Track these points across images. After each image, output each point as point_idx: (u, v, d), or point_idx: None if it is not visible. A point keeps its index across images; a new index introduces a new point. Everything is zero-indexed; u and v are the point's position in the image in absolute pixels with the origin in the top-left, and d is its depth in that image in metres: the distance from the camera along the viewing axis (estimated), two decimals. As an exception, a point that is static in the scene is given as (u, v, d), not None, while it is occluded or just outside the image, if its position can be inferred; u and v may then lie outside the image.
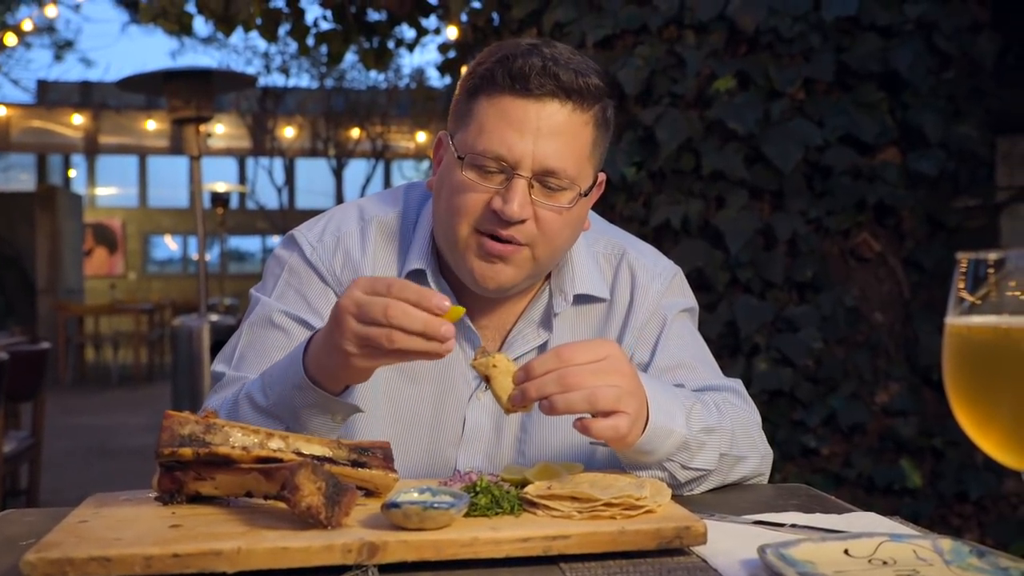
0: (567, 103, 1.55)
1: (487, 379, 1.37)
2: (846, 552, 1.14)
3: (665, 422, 1.45)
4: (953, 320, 0.95)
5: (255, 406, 1.52)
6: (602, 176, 1.69)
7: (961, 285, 0.94)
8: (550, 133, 1.54)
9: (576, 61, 1.56)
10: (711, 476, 1.58)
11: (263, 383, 1.52)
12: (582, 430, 1.37)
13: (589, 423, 1.36)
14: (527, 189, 1.55)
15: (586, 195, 1.63)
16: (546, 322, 1.74)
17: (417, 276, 1.70)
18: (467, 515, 1.23)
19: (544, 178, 1.56)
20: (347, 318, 1.34)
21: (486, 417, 1.72)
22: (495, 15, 5.29)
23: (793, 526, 1.34)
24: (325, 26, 6.60)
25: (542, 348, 1.72)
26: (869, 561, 1.13)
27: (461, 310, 1.34)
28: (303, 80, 21.95)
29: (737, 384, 1.74)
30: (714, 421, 1.55)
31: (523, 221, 1.56)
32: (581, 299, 1.75)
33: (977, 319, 0.93)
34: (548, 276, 1.73)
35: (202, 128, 5.94)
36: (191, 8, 6.49)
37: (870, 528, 1.33)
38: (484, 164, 1.56)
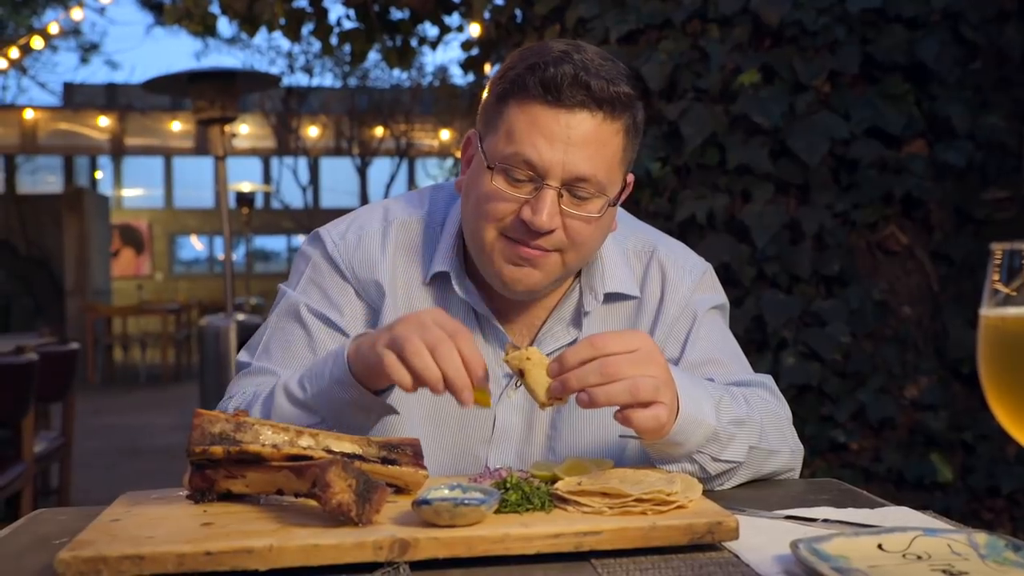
0: (598, 113, 1.54)
1: (521, 373, 1.37)
2: (880, 547, 1.14)
3: (695, 413, 1.45)
4: (988, 312, 0.94)
5: (292, 399, 1.54)
6: (630, 177, 1.68)
7: (996, 277, 0.93)
8: (580, 142, 1.53)
9: (607, 68, 1.54)
10: (741, 469, 1.57)
11: (301, 378, 1.55)
12: (623, 421, 1.37)
13: (631, 413, 1.36)
14: (556, 199, 1.54)
15: (615, 204, 1.63)
16: (576, 320, 1.73)
17: (441, 279, 1.71)
18: (498, 511, 1.23)
19: (573, 187, 1.55)
20: (408, 322, 1.40)
21: (516, 416, 1.72)
22: (518, 12, 5.27)
23: (825, 521, 1.33)
24: (348, 25, 6.62)
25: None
26: (903, 556, 1.12)
27: (488, 399, 1.39)
28: (327, 79, 22.04)
29: (767, 379, 1.73)
30: (743, 413, 1.54)
31: (552, 231, 1.56)
32: (611, 297, 1.74)
33: (1012, 310, 0.92)
34: (578, 274, 1.73)
35: (227, 128, 5.97)
36: (215, 9, 6.54)
37: (903, 522, 1.32)
38: (513, 172, 1.55)
